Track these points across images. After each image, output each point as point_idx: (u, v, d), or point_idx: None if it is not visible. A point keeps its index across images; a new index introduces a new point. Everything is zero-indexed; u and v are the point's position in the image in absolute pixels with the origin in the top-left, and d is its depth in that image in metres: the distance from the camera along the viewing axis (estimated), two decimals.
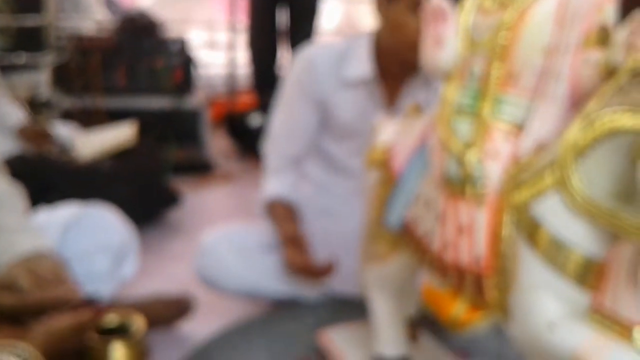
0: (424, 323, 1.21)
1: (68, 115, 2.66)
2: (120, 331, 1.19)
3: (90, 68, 2.75)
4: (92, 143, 2.19)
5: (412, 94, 1.34)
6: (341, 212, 1.49)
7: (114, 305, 1.31)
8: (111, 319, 1.21)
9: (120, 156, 2.14)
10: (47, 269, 1.15)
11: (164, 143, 2.56)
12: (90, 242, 1.36)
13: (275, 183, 1.45)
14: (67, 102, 2.75)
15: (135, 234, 1.45)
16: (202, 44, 4.04)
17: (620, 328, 0.68)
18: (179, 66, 2.84)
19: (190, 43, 3.00)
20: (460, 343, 1.25)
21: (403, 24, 1.20)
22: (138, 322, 1.20)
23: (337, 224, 1.50)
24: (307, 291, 1.45)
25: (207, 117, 2.89)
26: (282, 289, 1.45)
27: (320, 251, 1.46)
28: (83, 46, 2.75)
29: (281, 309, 1.48)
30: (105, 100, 2.77)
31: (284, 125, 1.46)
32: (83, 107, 2.73)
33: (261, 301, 1.51)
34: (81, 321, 1.14)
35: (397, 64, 1.30)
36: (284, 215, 1.43)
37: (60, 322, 1.10)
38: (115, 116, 2.58)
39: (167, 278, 1.67)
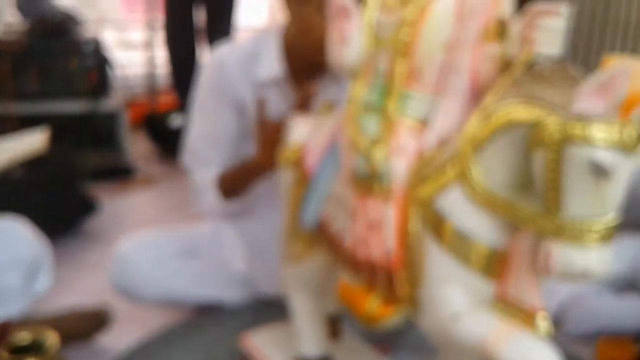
0: (345, 319, 1.21)
1: None
2: (33, 349, 1.15)
3: (0, 73, 2.62)
4: (1, 152, 2.09)
5: (324, 92, 1.33)
6: (262, 213, 1.47)
7: (26, 321, 1.26)
8: (23, 336, 1.16)
9: (33, 164, 2.04)
10: None
11: (79, 148, 2.47)
12: (0, 258, 1.30)
13: (211, 173, 1.39)
14: None
15: (49, 246, 1.39)
16: (118, 43, 3.93)
17: (523, 315, 0.70)
18: (94, 67, 2.73)
19: (106, 43, 2.90)
20: (381, 337, 1.26)
21: (311, 26, 1.19)
22: (51, 338, 1.16)
23: (258, 224, 1.48)
24: (229, 294, 1.43)
25: (126, 119, 2.80)
26: (203, 295, 1.42)
27: (242, 251, 1.44)
28: None
29: (203, 315, 1.45)
30: (17, 105, 2.64)
31: (204, 134, 1.39)
32: None
33: (182, 308, 1.47)
34: None
35: (306, 63, 1.29)
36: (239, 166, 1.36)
37: None
38: (27, 122, 2.45)
39: (84, 290, 1.61)
